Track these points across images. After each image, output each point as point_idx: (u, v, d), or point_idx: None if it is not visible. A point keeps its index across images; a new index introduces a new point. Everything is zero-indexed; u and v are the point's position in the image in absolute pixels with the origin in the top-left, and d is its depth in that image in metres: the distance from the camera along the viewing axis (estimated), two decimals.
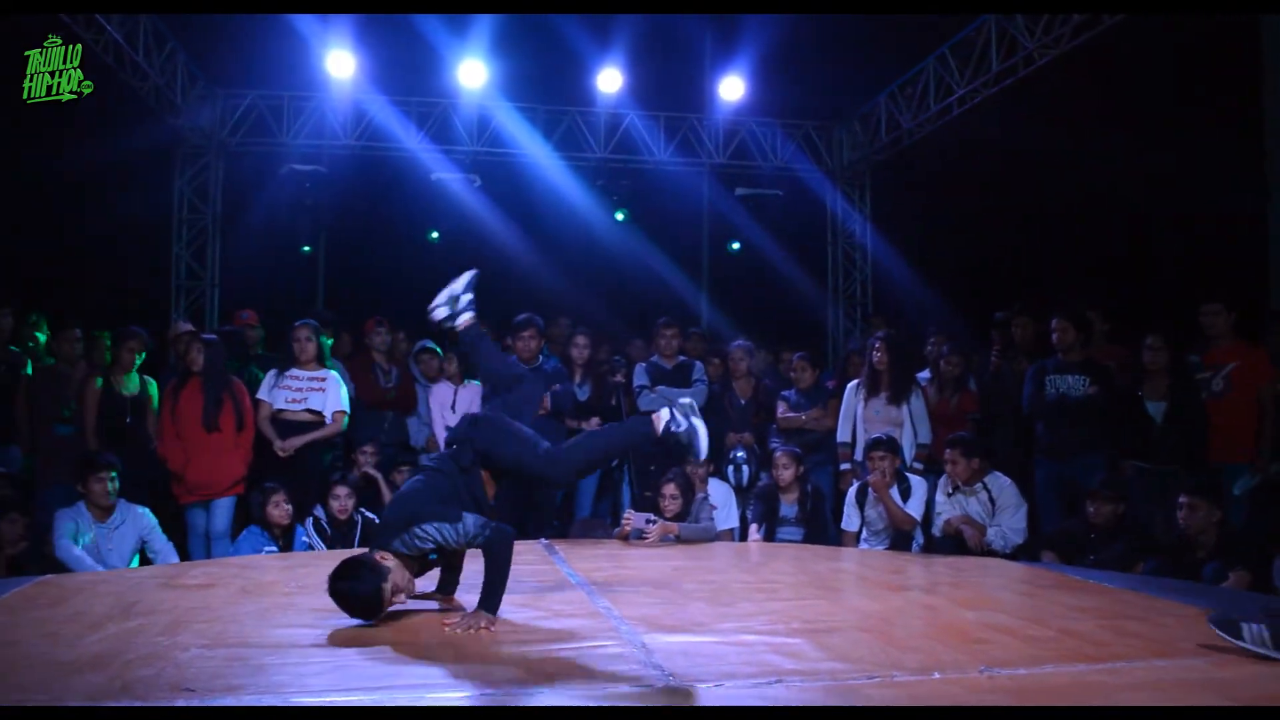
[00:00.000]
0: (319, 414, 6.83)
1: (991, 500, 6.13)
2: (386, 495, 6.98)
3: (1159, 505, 6.27)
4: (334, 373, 7.04)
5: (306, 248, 11.21)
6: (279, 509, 6.22)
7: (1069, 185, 9.71)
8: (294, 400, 6.80)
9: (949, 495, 6.26)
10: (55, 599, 4.22)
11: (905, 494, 6.30)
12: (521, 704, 2.74)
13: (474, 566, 3.91)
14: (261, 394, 6.80)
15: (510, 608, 4.02)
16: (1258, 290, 7.16)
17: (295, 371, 6.85)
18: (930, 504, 6.37)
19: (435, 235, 12.19)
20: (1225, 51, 7.58)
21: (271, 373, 6.89)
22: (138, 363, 6.89)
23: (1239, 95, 7.59)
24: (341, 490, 6.43)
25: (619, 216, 11.44)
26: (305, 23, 9.19)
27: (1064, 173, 9.54)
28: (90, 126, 8.72)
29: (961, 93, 9.21)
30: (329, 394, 6.86)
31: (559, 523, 7.32)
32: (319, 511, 6.45)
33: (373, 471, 7.07)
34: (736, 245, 12.01)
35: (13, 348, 7.20)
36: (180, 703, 2.70)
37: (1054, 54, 8.08)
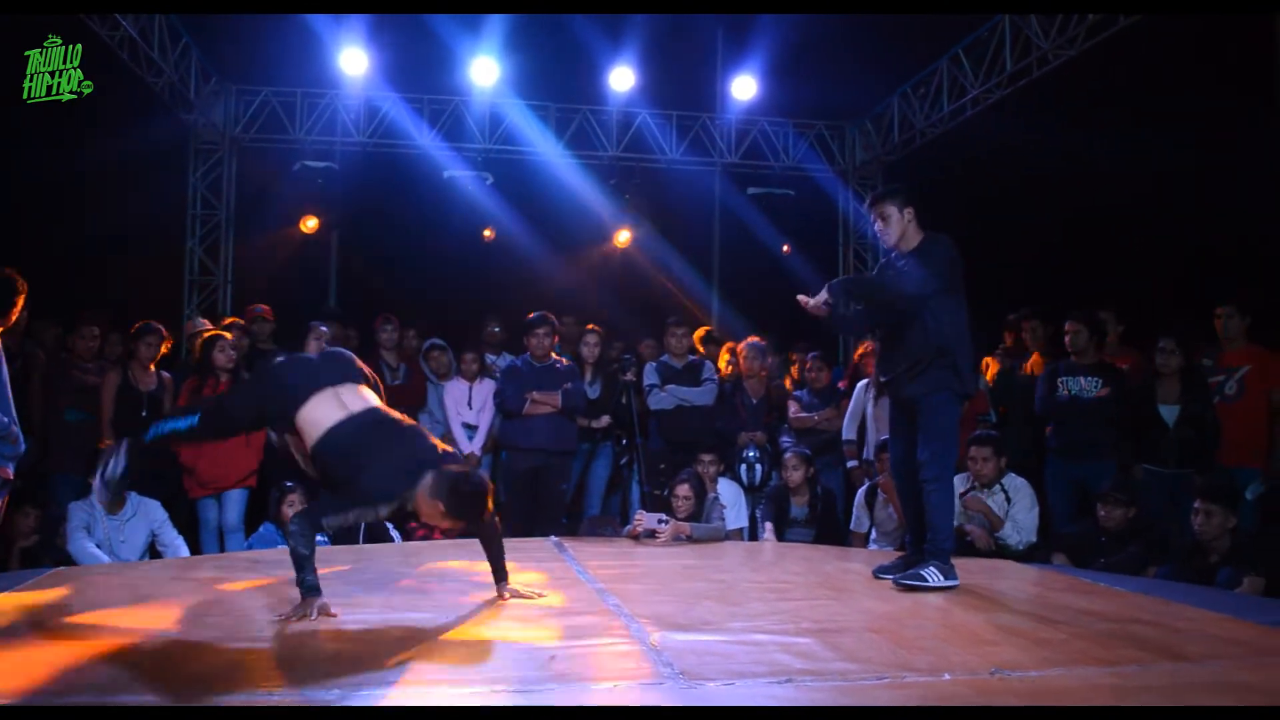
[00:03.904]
0: None
1: (1008, 500, 6.14)
2: None
3: (1170, 509, 6.25)
4: None
5: (312, 222, 11.09)
6: (294, 509, 6.23)
7: (1083, 186, 9.66)
8: None
9: (967, 490, 6.23)
10: (68, 591, 4.24)
11: None
12: (532, 701, 2.74)
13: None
14: None
15: (520, 605, 4.05)
16: (1272, 293, 7.11)
17: None
18: None
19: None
20: (1242, 51, 7.53)
21: None
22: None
23: (1257, 94, 7.54)
24: None
25: (623, 236, 11.49)
26: (318, 20, 9.21)
27: (1078, 174, 9.49)
28: (104, 123, 8.74)
29: (975, 93, 9.19)
30: None
31: (568, 520, 7.33)
32: None
33: None
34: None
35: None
36: (194, 695, 2.71)
37: (1068, 54, 8.06)
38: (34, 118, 5.83)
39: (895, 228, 4.93)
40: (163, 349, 7.04)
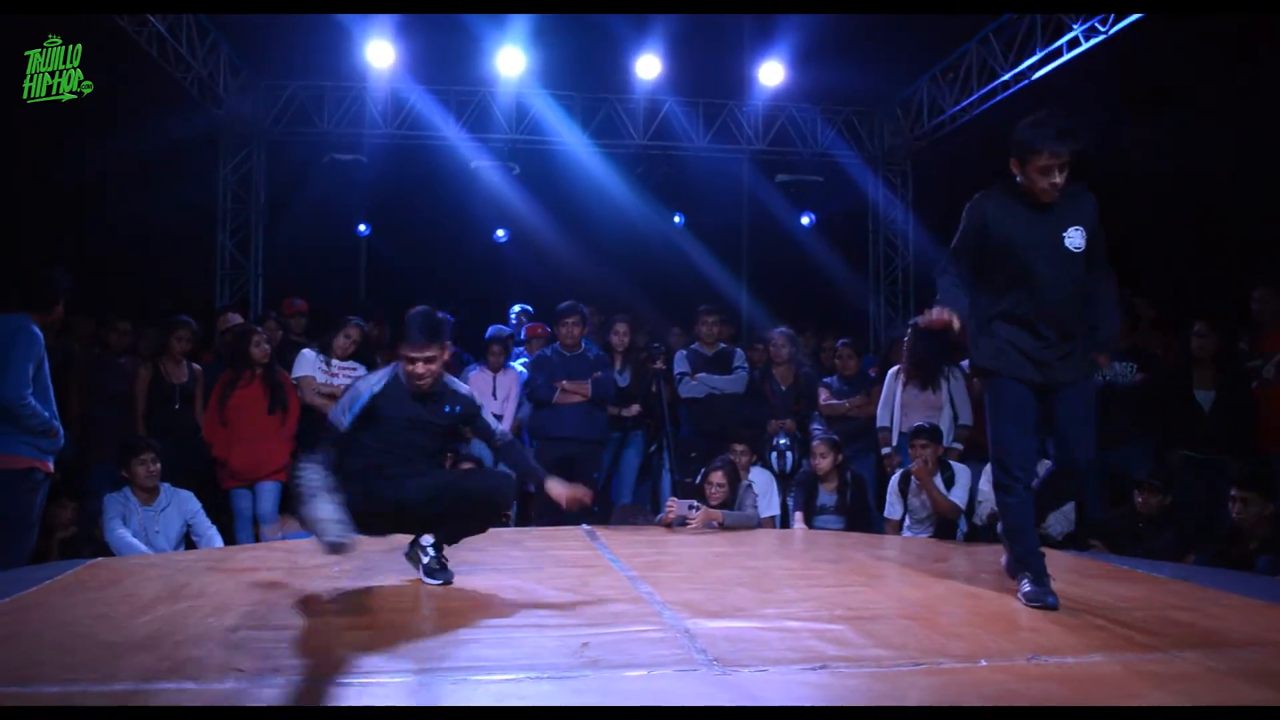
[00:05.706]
0: None
1: None
2: None
3: (1207, 495, 6.17)
4: (363, 366, 7.15)
5: (363, 227, 11.35)
6: None
7: (1115, 170, 9.54)
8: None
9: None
10: (106, 581, 4.29)
11: (949, 482, 6.24)
12: (565, 688, 2.74)
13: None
14: (307, 370, 6.89)
15: (553, 591, 4.05)
16: None
17: (335, 362, 6.97)
18: (974, 492, 6.30)
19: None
20: (1276, 31, 7.40)
21: (314, 353, 6.97)
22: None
23: None
24: None
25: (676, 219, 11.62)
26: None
27: (1110, 157, 9.38)
28: (135, 119, 8.82)
29: (1005, 76, 9.09)
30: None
31: (599, 509, 7.33)
32: None
33: None
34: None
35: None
36: (230, 683, 2.73)
37: (1100, 37, 7.94)
38: (66, 116, 5.87)
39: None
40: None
